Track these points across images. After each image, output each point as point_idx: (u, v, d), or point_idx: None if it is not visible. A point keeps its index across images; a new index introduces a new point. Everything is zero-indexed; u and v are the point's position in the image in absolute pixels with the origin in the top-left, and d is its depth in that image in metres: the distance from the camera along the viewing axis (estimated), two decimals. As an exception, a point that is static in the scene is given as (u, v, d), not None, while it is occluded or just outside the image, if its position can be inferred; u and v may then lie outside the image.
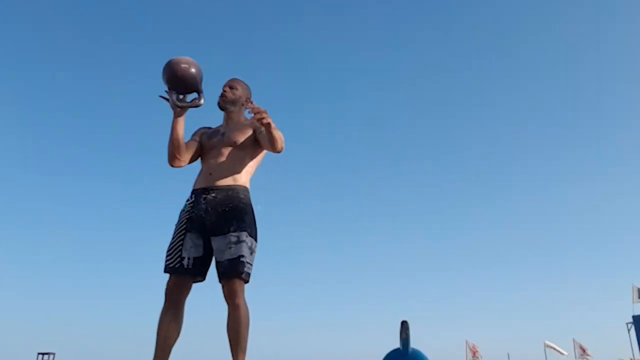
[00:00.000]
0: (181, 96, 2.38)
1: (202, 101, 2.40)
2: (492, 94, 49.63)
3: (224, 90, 2.60)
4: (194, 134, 2.61)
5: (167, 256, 2.33)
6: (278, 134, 2.33)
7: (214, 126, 2.66)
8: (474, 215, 47.91)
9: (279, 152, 2.41)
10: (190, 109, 2.41)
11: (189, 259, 2.29)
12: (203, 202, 2.36)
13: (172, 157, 2.42)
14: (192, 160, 2.54)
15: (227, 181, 2.40)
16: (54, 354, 22.23)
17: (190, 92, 2.40)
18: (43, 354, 22.08)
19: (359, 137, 49.57)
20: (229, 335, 2.21)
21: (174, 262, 2.30)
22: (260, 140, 2.49)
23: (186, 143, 2.50)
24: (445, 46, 49.86)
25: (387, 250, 48.58)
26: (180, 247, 2.31)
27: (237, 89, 2.62)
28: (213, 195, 2.36)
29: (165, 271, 2.30)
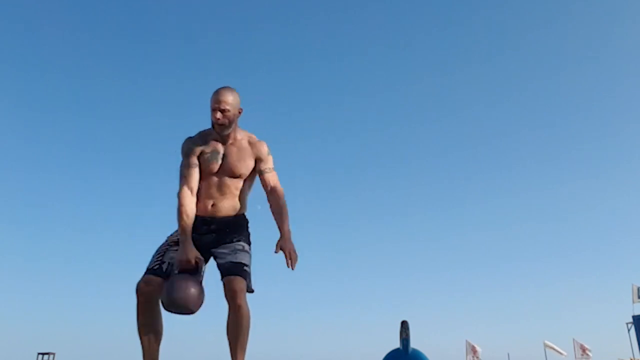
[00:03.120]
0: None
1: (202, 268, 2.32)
2: (488, 94, 49.65)
3: (217, 118, 2.39)
4: (192, 155, 2.44)
5: (150, 263, 2.33)
6: (285, 208, 2.46)
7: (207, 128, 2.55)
8: (474, 215, 47.92)
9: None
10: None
11: (168, 264, 2.29)
12: (205, 230, 2.39)
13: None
14: None
15: (229, 212, 2.43)
16: (54, 354, 22.26)
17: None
18: (43, 354, 22.10)
19: (359, 136, 49.59)
20: (228, 336, 2.20)
21: (153, 265, 2.30)
22: (261, 179, 2.52)
23: (190, 175, 2.40)
24: (443, 48, 49.86)
25: (387, 250, 48.55)
26: (162, 256, 2.32)
27: (228, 110, 2.40)
28: (214, 227, 2.40)
29: (146, 274, 2.27)
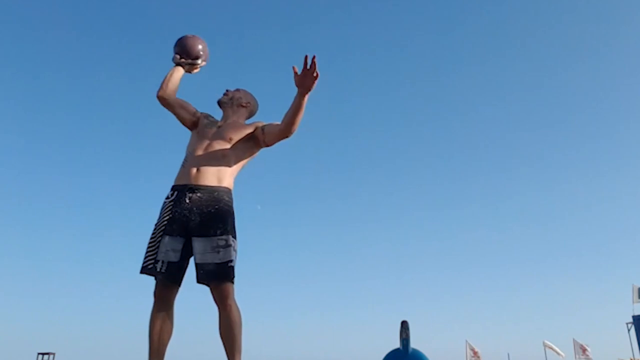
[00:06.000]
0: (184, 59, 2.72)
1: (198, 61, 2.71)
2: (488, 94, 49.64)
3: (227, 89, 2.74)
4: (195, 108, 2.67)
5: (144, 256, 2.31)
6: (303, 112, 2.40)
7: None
8: (474, 215, 47.95)
9: (291, 134, 2.46)
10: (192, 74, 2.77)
11: (162, 262, 2.26)
12: (187, 201, 2.34)
13: (160, 87, 2.59)
14: (177, 113, 2.62)
15: (212, 181, 2.38)
16: (54, 354, 22.22)
17: (191, 57, 2.70)
18: (43, 354, 22.06)
19: (358, 137, 49.61)
20: (222, 337, 2.21)
21: (148, 264, 2.28)
22: (266, 132, 2.50)
23: (183, 100, 2.64)
24: (443, 48, 49.86)
25: (387, 250, 48.62)
26: (156, 250, 2.28)
27: (239, 91, 2.73)
28: (198, 195, 2.34)
29: (141, 272, 2.28)
